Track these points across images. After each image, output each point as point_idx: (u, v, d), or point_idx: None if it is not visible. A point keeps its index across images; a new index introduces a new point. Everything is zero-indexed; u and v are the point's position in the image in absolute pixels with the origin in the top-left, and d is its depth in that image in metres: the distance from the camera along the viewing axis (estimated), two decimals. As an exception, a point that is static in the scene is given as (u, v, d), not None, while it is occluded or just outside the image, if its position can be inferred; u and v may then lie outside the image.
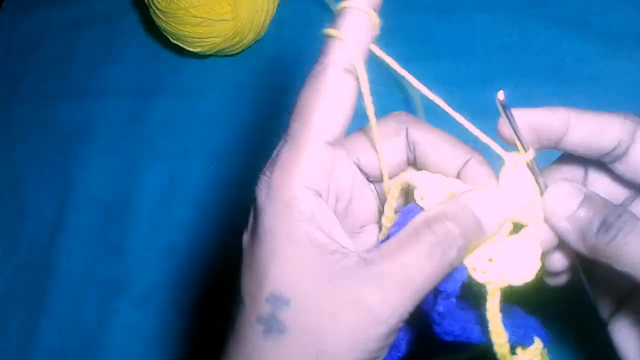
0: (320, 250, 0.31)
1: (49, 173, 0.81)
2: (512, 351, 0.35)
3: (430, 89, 0.40)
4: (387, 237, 0.35)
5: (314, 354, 0.31)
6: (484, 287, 0.34)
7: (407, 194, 0.38)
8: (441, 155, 0.38)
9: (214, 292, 0.71)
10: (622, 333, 0.40)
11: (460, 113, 0.41)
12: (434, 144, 0.38)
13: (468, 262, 0.34)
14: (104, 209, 0.77)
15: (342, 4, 0.34)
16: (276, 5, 0.81)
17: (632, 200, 0.39)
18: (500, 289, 0.33)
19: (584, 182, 0.40)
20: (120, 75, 0.85)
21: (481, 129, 0.39)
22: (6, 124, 0.86)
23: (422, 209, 0.35)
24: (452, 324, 0.34)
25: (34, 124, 0.85)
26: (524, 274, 0.33)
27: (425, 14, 0.77)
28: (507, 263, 0.33)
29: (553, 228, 0.35)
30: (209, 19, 0.74)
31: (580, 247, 0.34)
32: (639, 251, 0.32)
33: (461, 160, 0.37)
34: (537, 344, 0.36)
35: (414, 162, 0.39)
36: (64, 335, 0.72)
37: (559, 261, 0.38)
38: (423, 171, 0.37)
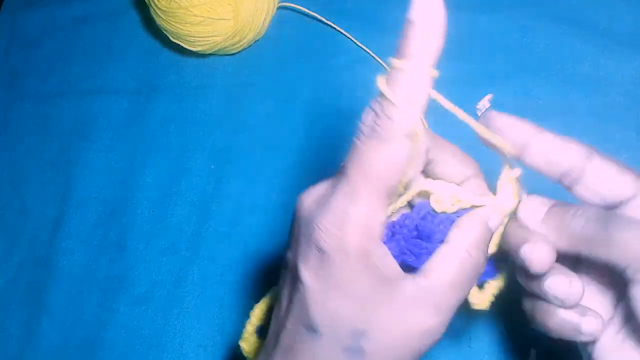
0: (389, 283, 0.36)
1: (49, 171, 0.81)
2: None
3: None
4: (392, 223, 0.41)
5: None
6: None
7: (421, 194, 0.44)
8: (447, 170, 0.42)
9: (214, 290, 0.71)
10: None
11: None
12: (442, 159, 0.42)
13: None
14: (104, 207, 0.78)
15: (397, 64, 0.32)
16: (276, 5, 0.81)
17: None
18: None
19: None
20: (120, 73, 0.85)
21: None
22: (6, 123, 0.86)
23: (433, 209, 0.41)
24: None
25: (34, 123, 0.85)
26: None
27: (426, 13, 0.77)
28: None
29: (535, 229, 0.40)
30: (210, 18, 0.74)
31: (560, 241, 0.38)
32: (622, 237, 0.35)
33: (463, 176, 0.42)
34: (501, 276, 0.46)
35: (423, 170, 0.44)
36: (64, 333, 0.72)
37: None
38: (439, 180, 0.42)
